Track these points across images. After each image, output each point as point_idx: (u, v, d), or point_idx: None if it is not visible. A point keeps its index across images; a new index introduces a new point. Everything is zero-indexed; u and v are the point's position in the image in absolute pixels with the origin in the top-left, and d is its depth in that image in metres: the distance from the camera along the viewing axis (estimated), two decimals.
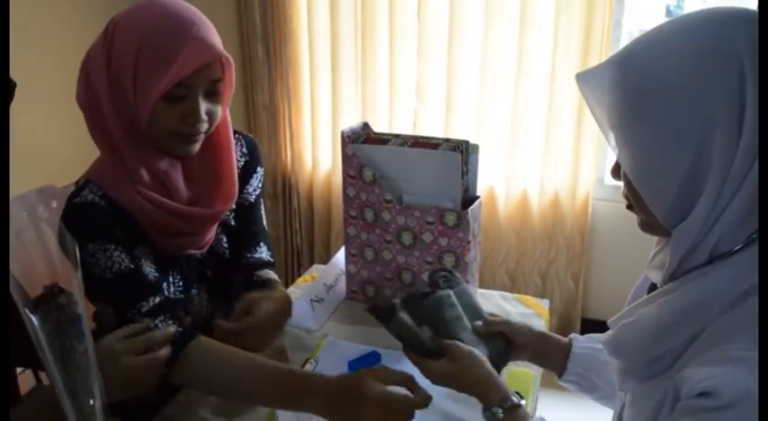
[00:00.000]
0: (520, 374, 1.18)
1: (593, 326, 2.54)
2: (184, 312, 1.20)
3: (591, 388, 1.00)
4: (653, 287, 0.81)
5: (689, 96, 0.64)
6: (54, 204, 0.68)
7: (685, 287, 0.68)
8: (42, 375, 1.42)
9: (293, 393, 0.94)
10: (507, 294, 1.51)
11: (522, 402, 0.87)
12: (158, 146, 1.06)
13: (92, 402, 0.59)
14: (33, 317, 0.54)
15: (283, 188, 2.86)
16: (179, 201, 1.10)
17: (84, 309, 0.59)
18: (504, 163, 2.51)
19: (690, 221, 0.66)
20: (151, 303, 1.03)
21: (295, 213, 2.88)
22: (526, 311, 1.44)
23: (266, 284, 1.25)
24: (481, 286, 1.51)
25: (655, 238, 0.81)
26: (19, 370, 1.40)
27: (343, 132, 1.33)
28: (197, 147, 1.08)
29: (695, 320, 0.66)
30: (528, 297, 1.51)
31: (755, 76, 0.61)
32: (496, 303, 1.46)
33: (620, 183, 0.76)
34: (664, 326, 0.69)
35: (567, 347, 1.02)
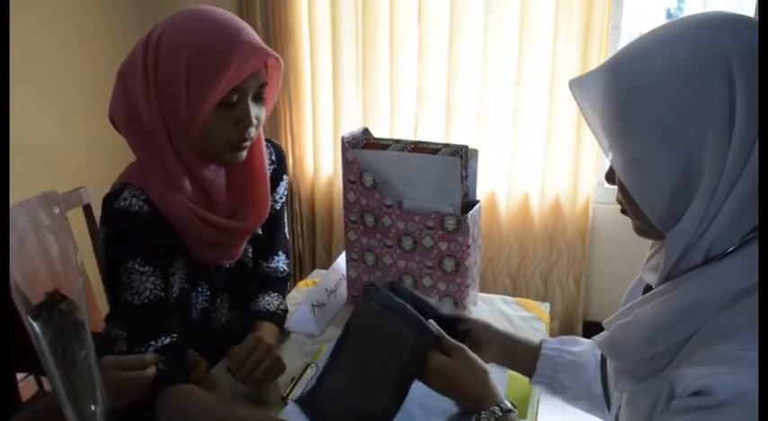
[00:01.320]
0: (521, 378, 1.18)
1: (595, 328, 2.53)
2: (208, 321, 1.21)
3: (560, 389, 1.02)
4: (648, 288, 0.81)
5: (680, 101, 0.65)
6: (56, 210, 0.69)
7: (681, 288, 0.69)
8: (44, 381, 1.43)
9: None
10: (508, 298, 1.51)
11: (515, 410, 0.87)
12: (208, 154, 1.06)
13: (93, 408, 0.59)
14: (35, 324, 0.55)
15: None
16: (220, 212, 1.11)
17: (87, 315, 0.59)
18: (504, 167, 2.52)
19: (683, 225, 0.67)
20: (159, 343, 1.03)
21: (297, 218, 2.89)
22: (527, 315, 1.44)
23: (268, 317, 1.26)
24: (483, 290, 1.51)
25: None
26: (21, 376, 1.41)
27: (343, 138, 1.34)
28: (245, 154, 1.09)
29: (691, 320, 0.67)
30: (529, 300, 1.51)
31: (745, 80, 0.62)
32: (497, 307, 1.46)
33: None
34: (660, 327, 0.69)
35: (537, 349, 1.03)
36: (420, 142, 1.32)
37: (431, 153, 1.28)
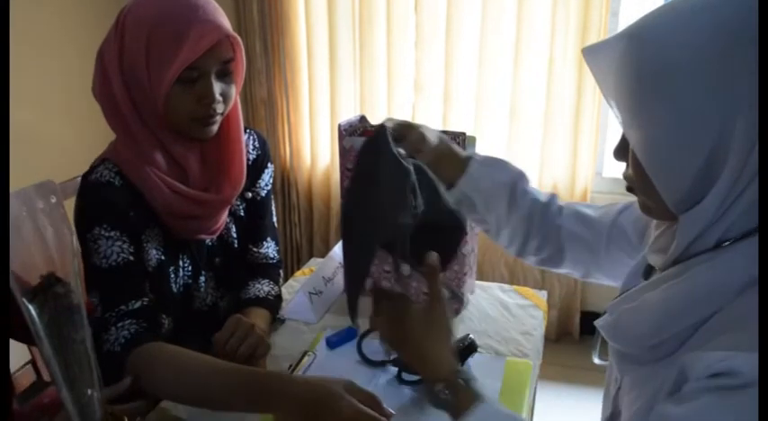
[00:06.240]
0: (518, 365, 1.18)
1: (594, 319, 2.54)
2: (190, 299, 1.22)
3: (470, 208, 1.03)
4: (647, 269, 0.80)
5: (711, 76, 0.60)
6: (53, 199, 0.69)
7: (692, 271, 0.66)
8: (42, 370, 1.43)
9: (263, 394, 0.89)
10: (506, 286, 1.51)
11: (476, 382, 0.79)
12: (177, 129, 1.09)
13: (90, 391, 0.59)
14: (31, 307, 0.54)
15: (282, 183, 2.87)
16: (194, 185, 1.12)
17: (82, 299, 0.59)
18: (502, 156, 2.49)
19: (701, 208, 0.63)
20: (130, 307, 1.03)
21: (294, 208, 2.88)
22: (524, 303, 1.44)
23: (258, 303, 1.26)
24: (480, 279, 1.51)
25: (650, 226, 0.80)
26: (19, 365, 1.41)
27: (340, 125, 1.33)
28: (215, 128, 1.11)
29: (702, 306, 0.64)
30: (526, 288, 1.51)
31: None
32: (495, 295, 1.47)
33: (619, 177, 0.73)
34: (670, 312, 0.66)
35: (465, 163, 1.03)
36: None
37: None
